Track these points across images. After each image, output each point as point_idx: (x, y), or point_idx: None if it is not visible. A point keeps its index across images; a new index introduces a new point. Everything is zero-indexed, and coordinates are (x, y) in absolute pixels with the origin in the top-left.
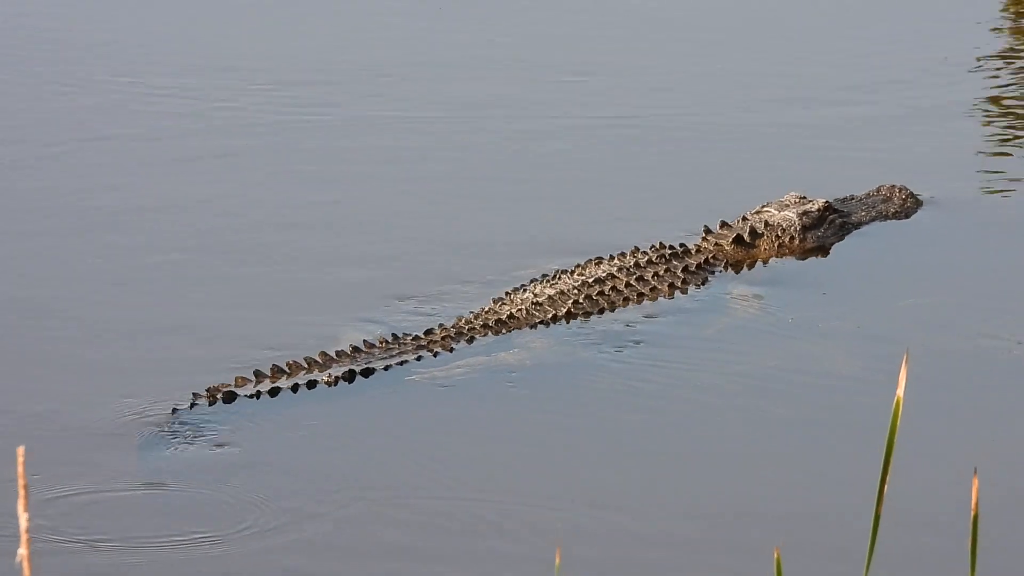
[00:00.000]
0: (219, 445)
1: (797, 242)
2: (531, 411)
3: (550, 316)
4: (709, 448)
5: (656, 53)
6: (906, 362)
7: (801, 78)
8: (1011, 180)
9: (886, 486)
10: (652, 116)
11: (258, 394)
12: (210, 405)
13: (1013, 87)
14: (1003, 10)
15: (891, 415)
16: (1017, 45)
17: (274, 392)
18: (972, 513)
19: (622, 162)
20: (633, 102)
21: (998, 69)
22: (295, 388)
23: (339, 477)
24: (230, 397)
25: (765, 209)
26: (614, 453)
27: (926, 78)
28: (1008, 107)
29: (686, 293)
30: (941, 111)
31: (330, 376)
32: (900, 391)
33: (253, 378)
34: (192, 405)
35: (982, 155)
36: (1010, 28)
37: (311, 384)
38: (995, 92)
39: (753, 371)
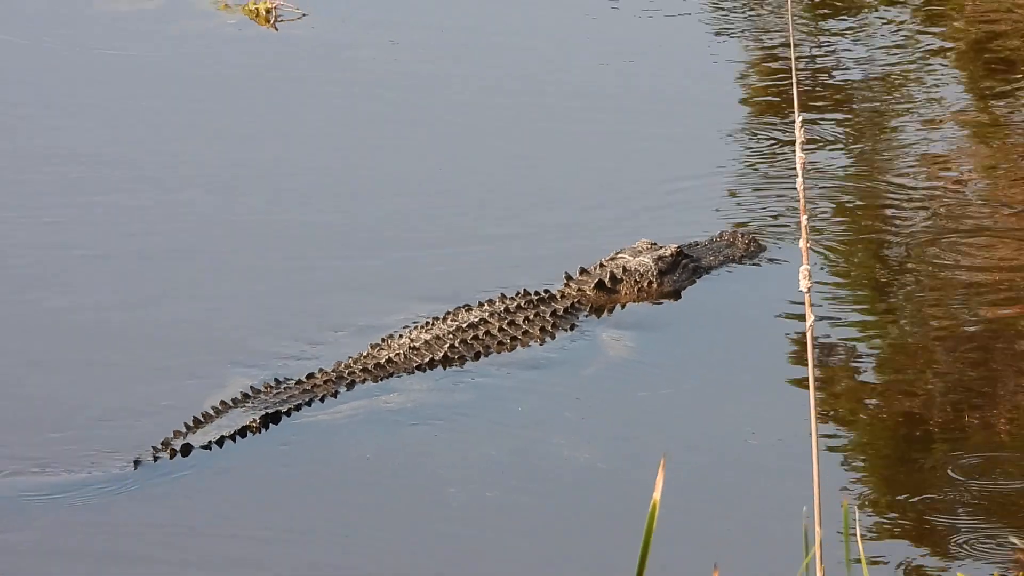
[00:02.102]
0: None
1: (655, 286)
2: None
3: (427, 360)
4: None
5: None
6: (663, 468)
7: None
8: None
9: None
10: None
11: (209, 444)
12: (171, 458)
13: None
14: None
15: (647, 519)
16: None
17: (220, 442)
18: None
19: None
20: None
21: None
22: (234, 437)
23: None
24: (187, 450)
25: (620, 255)
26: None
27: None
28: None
29: (554, 338)
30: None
31: (254, 421)
32: (657, 495)
33: (185, 429)
34: (155, 458)
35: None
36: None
37: (243, 431)
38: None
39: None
